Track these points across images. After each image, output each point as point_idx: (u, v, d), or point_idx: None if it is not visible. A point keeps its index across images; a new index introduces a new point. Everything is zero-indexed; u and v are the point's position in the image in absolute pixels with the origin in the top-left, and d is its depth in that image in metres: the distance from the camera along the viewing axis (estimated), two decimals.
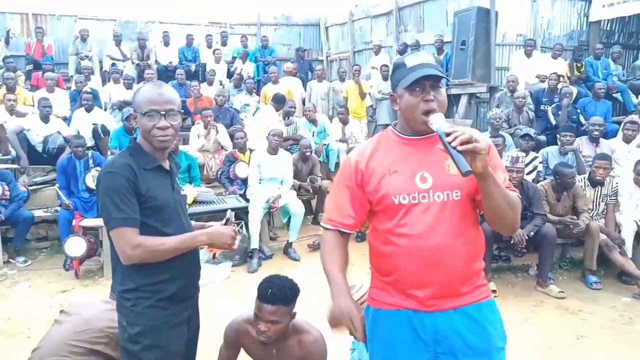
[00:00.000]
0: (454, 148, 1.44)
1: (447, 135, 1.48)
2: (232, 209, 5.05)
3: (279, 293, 2.28)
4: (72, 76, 9.32)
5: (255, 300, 2.31)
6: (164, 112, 1.92)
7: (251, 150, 6.45)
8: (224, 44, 10.92)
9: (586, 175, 5.07)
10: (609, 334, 3.84)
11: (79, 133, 6.51)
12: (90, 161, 5.75)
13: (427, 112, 1.62)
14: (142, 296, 1.92)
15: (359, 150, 1.82)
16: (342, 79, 9.48)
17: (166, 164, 2.04)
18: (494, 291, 4.18)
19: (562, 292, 4.53)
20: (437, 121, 1.56)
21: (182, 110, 2.17)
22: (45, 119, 6.65)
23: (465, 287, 1.69)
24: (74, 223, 5.34)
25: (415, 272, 1.66)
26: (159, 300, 1.93)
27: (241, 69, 9.98)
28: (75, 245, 4.97)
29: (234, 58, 10.66)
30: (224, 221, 2.20)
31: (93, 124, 6.92)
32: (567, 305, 4.34)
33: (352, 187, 1.75)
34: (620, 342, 3.70)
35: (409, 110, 1.67)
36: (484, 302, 1.73)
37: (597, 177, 4.93)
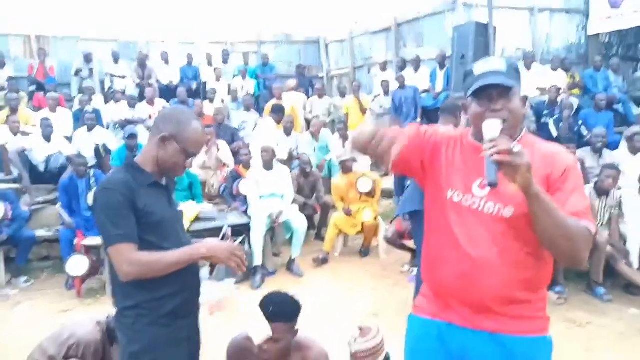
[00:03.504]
0: (490, 156, 1.40)
1: (490, 142, 1.43)
2: (235, 226, 5.09)
3: (279, 310, 2.25)
4: (74, 97, 9.39)
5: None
6: (196, 155, 2.01)
7: None
8: (225, 62, 10.98)
9: (591, 185, 5.03)
10: (618, 347, 3.77)
11: (80, 153, 6.53)
12: (92, 180, 5.73)
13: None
14: (142, 313, 1.90)
15: (444, 132, 1.78)
16: (342, 95, 9.52)
17: (162, 180, 2.02)
18: None
19: (560, 298, 4.51)
20: (489, 127, 1.50)
21: None
22: (47, 138, 6.68)
23: (504, 312, 1.59)
24: (75, 242, 5.32)
25: (451, 279, 1.62)
26: (159, 317, 1.91)
27: (242, 87, 10.00)
28: (78, 264, 4.94)
29: (235, 76, 10.72)
30: (220, 237, 2.17)
31: (95, 143, 6.94)
32: (575, 318, 4.27)
33: (422, 139, 1.72)
34: (630, 355, 3.65)
35: (474, 119, 1.63)
36: (532, 338, 1.61)
37: (607, 187, 4.88)
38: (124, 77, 9.78)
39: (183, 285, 1.97)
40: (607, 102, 7.43)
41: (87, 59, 9.80)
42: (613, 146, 6.45)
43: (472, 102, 1.63)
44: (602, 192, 4.94)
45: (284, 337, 2.23)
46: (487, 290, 1.57)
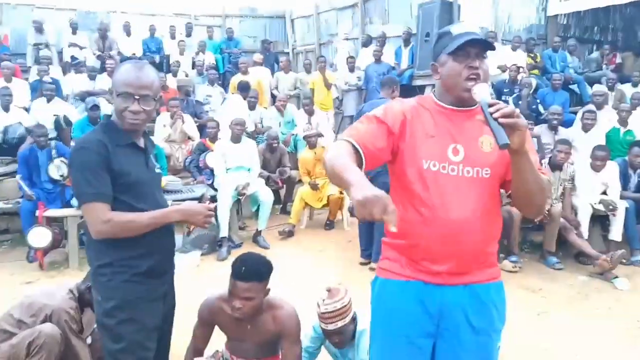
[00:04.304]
0: (495, 120, 1.43)
1: (490, 106, 1.46)
2: (201, 198, 5.09)
3: (252, 270, 2.32)
4: (30, 67, 9.04)
5: (230, 278, 2.34)
6: (138, 97, 1.90)
7: None
8: (188, 35, 10.76)
9: (546, 160, 5.26)
10: (567, 310, 4.04)
11: (39, 123, 6.35)
12: (54, 152, 5.61)
13: (471, 79, 1.60)
14: (118, 271, 1.94)
15: (402, 106, 1.74)
16: (308, 71, 9.53)
17: (140, 142, 2.04)
18: None
19: (515, 266, 4.77)
20: (481, 91, 1.53)
21: (160, 95, 2.11)
22: (5, 108, 6.48)
23: (478, 266, 1.69)
24: (37, 214, 5.22)
25: (433, 243, 1.64)
26: (134, 275, 1.95)
27: (202, 60, 9.80)
28: (40, 236, 4.86)
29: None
30: (198, 202, 2.22)
31: (54, 115, 6.75)
32: (528, 285, 4.52)
33: (389, 128, 1.66)
34: (578, 317, 3.91)
35: (451, 77, 1.64)
36: (493, 284, 1.74)
37: (559, 161, 5.12)
38: (82, 48, 9.47)
39: (158, 245, 2.02)
40: (563, 82, 7.73)
41: (38, 29, 9.40)
42: (568, 124, 6.74)
43: (447, 60, 1.65)
44: (556, 166, 5.18)
45: (256, 297, 2.30)
46: (470, 249, 1.65)
